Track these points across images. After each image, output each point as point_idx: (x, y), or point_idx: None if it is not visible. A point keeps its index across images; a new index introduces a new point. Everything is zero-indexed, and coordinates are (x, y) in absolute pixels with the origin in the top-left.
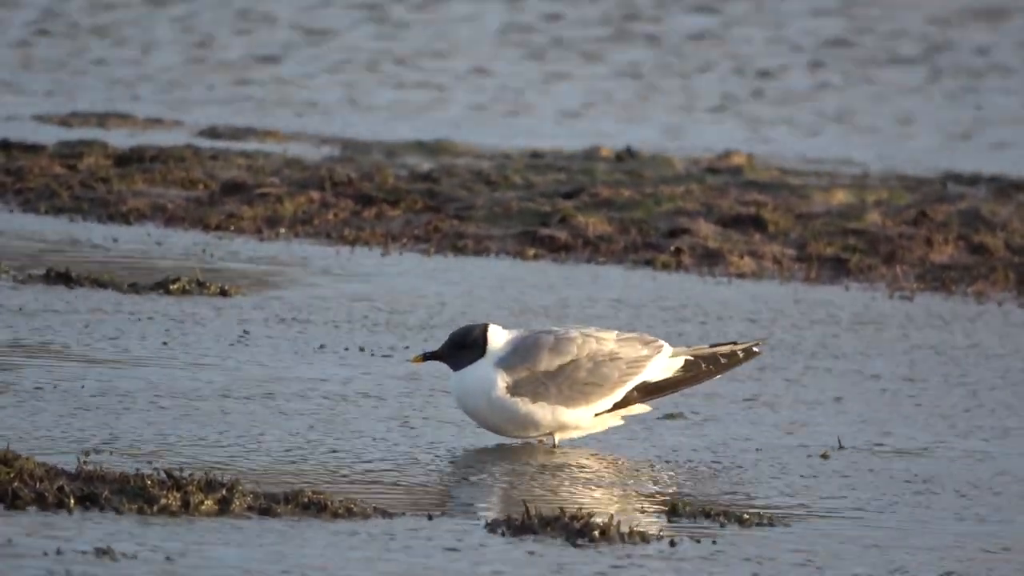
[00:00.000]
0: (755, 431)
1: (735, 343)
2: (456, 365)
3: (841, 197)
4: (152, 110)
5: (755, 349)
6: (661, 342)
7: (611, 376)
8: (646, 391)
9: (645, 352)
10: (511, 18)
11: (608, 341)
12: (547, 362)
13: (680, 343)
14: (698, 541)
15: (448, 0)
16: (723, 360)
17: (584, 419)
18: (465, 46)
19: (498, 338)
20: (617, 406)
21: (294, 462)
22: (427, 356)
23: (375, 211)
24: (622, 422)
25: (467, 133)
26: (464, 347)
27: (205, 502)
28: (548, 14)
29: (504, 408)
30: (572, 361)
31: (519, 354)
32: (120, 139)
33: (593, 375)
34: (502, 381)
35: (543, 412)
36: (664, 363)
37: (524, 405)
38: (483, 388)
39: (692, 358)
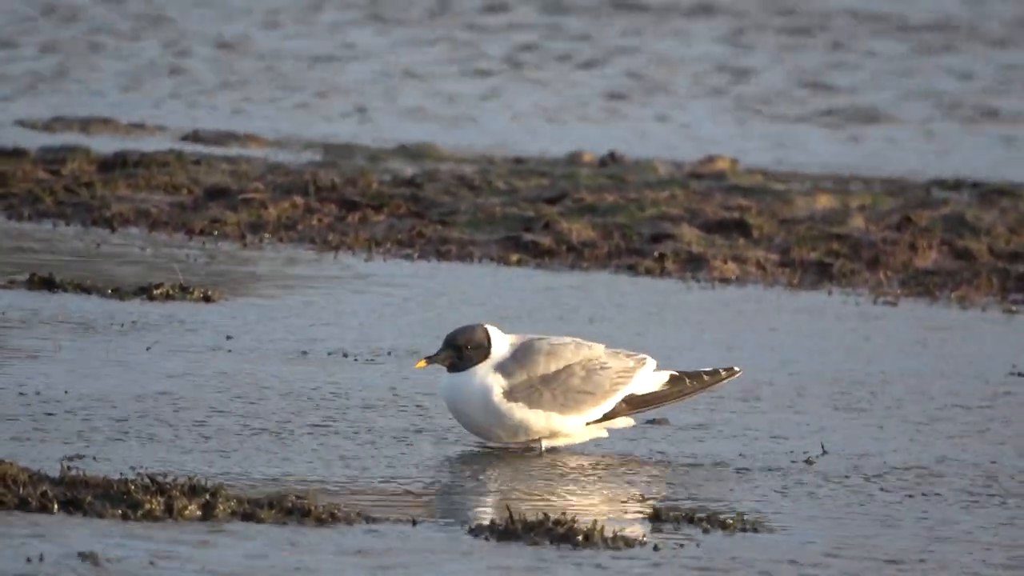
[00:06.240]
0: (738, 436)
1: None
2: (459, 368)
3: (825, 202)
4: (135, 115)
5: (735, 368)
6: (645, 356)
7: (603, 384)
8: (633, 403)
9: (631, 364)
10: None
11: (598, 350)
12: (543, 367)
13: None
14: (681, 546)
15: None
16: (706, 377)
17: (576, 427)
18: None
19: (499, 341)
20: (606, 417)
21: (277, 467)
22: (431, 360)
23: (359, 216)
24: (607, 435)
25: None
26: (469, 349)
27: (188, 507)
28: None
29: (500, 414)
30: (567, 367)
31: (516, 358)
32: (103, 144)
33: (586, 383)
34: (499, 386)
35: (537, 419)
36: (649, 376)
37: (520, 411)
38: (481, 393)
39: (676, 373)
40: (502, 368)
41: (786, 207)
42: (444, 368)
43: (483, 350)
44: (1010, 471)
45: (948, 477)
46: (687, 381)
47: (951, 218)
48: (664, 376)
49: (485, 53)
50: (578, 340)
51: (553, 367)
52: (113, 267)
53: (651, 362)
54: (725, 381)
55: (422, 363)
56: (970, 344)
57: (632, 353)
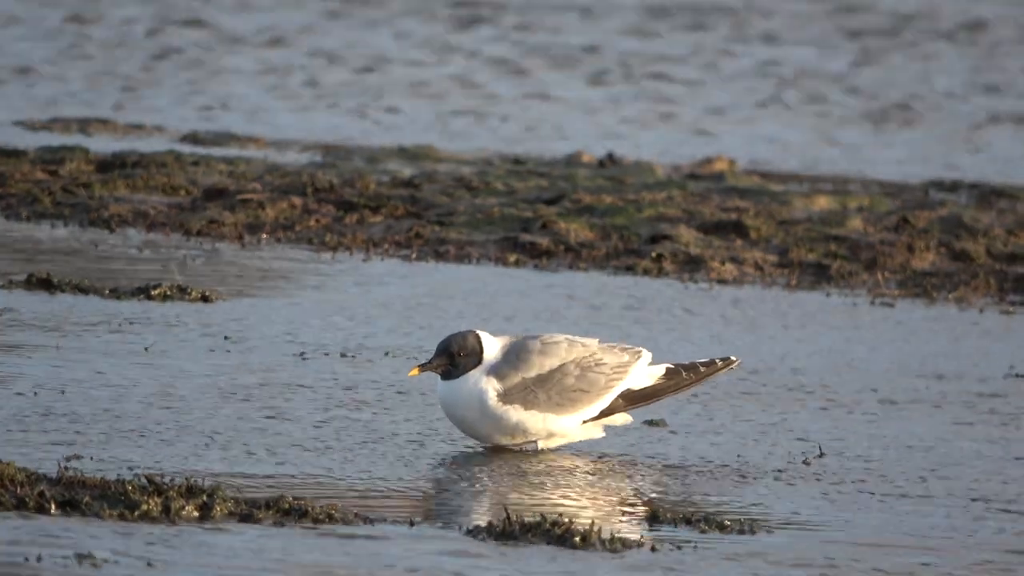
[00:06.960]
0: (736, 437)
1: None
2: (452, 375)
3: (823, 203)
4: (134, 116)
5: (732, 358)
6: (640, 349)
7: (598, 382)
8: (630, 399)
9: (627, 358)
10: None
11: (592, 346)
12: (537, 367)
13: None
14: (679, 547)
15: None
16: (702, 369)
17: (572, 427)
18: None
19: (490, 345)
20: (603, 414)
21: (275, 468)
22: (424, 368)
23: (357, 217)
24: (604, 434)
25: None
26: (462, 356)
27: (186, 508)
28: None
29: (496, 417)
30: (561, 366)
31: (509, 361)
32: (102, 145)
33: (581, 381)
34: (494, 389)
35: (534, 420)
36: (645, 370)
37: (516, 413)
38: (476, 397)
39: (672, 366)
40: (495, 371)
41: (784, 208)
42: (437, 375)
43: (475, 356)
44: (1009, 471)
45: (947, 478)
46: (683, 373)
47: (949, 219)
48: (660, 370)
49: (484, 53)
50: (570, 337)
51: (547, 366)
52: (111, 267)
53: (647, 355)
54: (722, 371)
55: (415, 371)
56: (968, 345)
57: (627, 346)
